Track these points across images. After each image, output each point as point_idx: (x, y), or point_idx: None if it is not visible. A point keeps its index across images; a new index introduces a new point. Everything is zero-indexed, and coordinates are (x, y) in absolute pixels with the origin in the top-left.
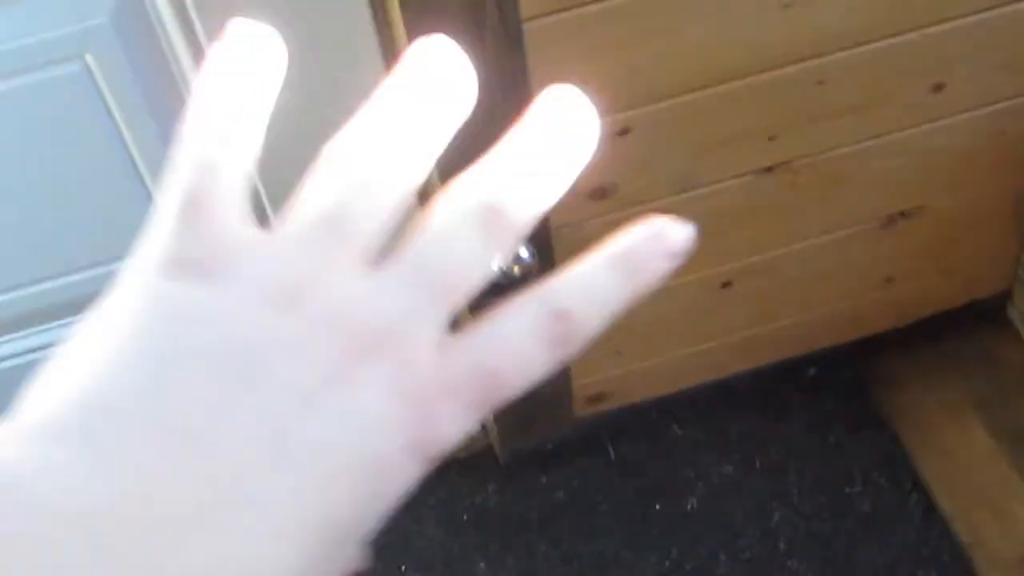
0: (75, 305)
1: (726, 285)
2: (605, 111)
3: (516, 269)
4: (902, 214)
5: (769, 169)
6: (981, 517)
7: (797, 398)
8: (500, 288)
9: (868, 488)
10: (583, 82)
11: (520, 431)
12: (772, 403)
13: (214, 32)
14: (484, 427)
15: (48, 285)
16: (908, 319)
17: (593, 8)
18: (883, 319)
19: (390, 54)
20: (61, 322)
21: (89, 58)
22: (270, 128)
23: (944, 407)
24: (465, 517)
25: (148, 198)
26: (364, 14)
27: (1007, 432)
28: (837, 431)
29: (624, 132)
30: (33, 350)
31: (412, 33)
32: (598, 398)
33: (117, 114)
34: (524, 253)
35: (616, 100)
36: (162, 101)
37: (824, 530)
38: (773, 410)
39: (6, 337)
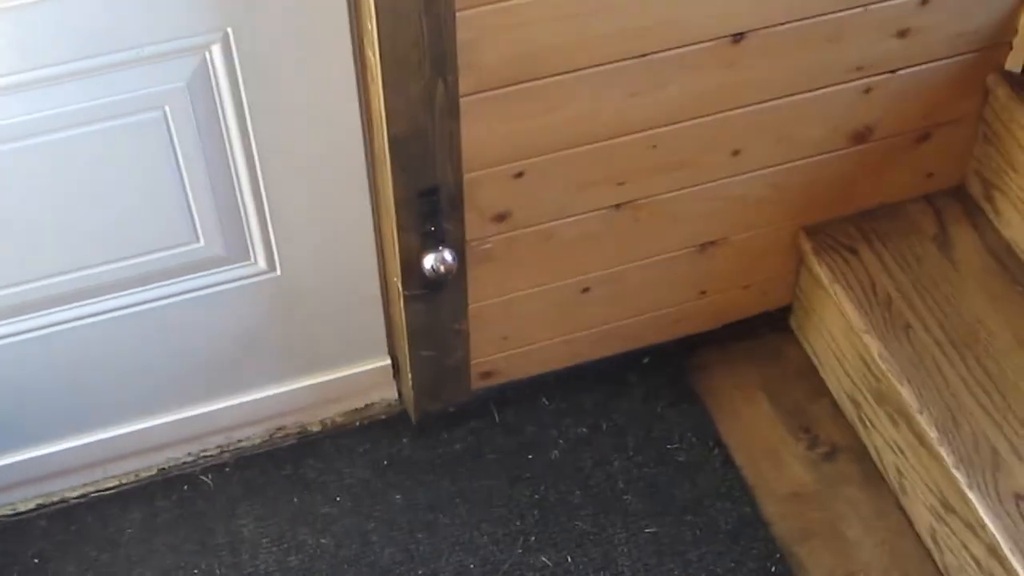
0: (120, 283)
1: (585, 290)
2: (508, 159)
3: (442, 268)
4: (712, 243)
5: (618, 206)
6: (762, 466)
7: (635, 379)
8: (431, 281)
9: (684, 445)
10: (495, 138)
11: (428, 397)
12: (616, 382)
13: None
14: (401, 394)
15: (103, 268)
16: (717, 323)
17: (505, 90)
18: (698, 322)
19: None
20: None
21: (167, 109)
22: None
23: (740, 388)
24: (386, 462)
25: (187, 209)
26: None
27: (784, 407)
28: (663, 404)
29: (520, 175)
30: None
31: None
32: (488, 375)
33: (180, 150)
34: (448, 256)
35: (516, 151)
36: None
37: (651, 475)
38: (617, 388)
39: (71, 304)
